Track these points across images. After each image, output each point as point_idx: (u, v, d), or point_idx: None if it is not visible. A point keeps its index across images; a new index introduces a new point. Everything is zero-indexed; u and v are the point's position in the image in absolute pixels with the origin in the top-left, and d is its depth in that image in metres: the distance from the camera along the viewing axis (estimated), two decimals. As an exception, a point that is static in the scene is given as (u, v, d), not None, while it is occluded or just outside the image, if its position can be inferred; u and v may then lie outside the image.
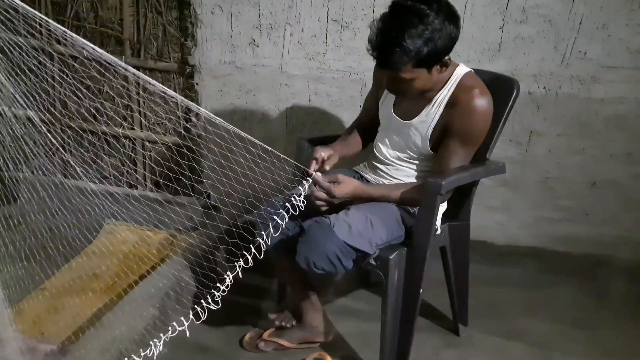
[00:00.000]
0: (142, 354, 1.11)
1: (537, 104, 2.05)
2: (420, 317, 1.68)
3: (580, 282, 2.12)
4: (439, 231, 1.61)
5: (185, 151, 2.33)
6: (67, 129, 2.46)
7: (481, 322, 1.86)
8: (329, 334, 1.74)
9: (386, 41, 1.32)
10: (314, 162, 1.48)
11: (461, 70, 1.49)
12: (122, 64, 1.32)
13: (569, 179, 2.12)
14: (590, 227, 2.16)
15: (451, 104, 1.46)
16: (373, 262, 1.49)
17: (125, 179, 2.58)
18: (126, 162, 2.57)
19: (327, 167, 1.52)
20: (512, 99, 1.60)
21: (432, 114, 1.49)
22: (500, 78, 1.67)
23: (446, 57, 1.39)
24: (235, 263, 1.18)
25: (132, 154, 2.57)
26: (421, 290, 1.53)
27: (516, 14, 1.96)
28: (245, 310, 1.93)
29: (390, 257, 1.48)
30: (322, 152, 1.51)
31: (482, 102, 1.43)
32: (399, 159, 1.60)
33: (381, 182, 1.64)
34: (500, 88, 1.59)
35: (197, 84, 2.36)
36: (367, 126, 1.74)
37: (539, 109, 2.06)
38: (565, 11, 1.92)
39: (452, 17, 1.34)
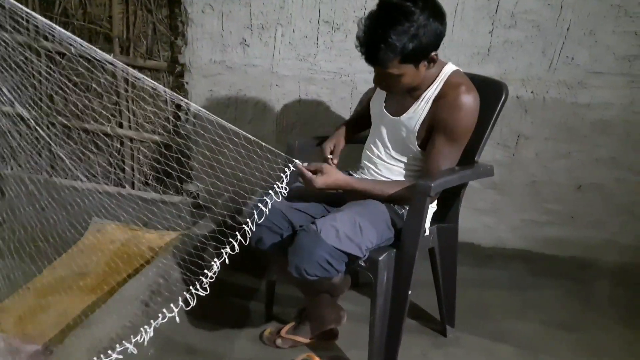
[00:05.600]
0: (133, 340, 1.10)
1: (525, 108, 2.08)
2: (408, 319, 1.68)
3: (566, 285, 2.15)
4: (427, 233, 1.62)
5: (174, 150, 2.32)
6: (53, 126, 2.43)
7: (468, 324, 1.88)
8: (339, 319, 1.75)
9: (373, 38, 1.36)
10: (327, 157, 1.69)
11: (449, 68, 1.52)
12: (110, 57, 1.31)
13: (556, 183, 2.15)
14: (575, 230, 2.18)
15: (438, 99, 1.49)
16: (362, 264, 1.49)
17: (113, 177, 2.56)
18: (114, 160, 2.55)
19: (336, 161, 1.69)
20: (501, 102, 1.62)
21: (419, 110, 1.51)
22: (489, 82, 1.69)
23: (433, 53, 1.41)
24: (222, 250, 1.19)
25: (121, 152, 2.55)
26: (410, 292, 1.54)
27: (505, 18, 1.98)
28: (233, 311, 1.92)
29: (380, 259, 1.48)
30: (329, 145, 1.71)
31: (468, 98, 1.46)
32: (390, 157, 1.61)
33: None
34: (489, 92, 1.60)
35: (187, 83, 2.34)
36: (360, 120, 1.81)
37: (527, 112, 2.08)
38: (553, 17, 1.95)
39: (438, 14, 1.38)
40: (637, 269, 2.14)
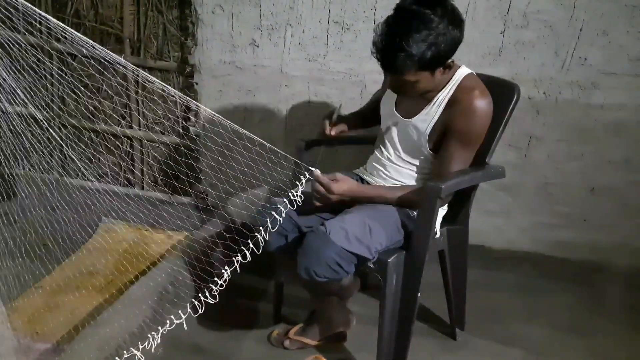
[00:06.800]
0: (141, 346, 1.10)
1: (536, 109, 2.06)
2: (417, 321, 1.67)
3: (577, 288, 2.12)
4: (437, 235, 1.61)
5: (184, 150, 2.32)
6: (65, 127, 2.45)
7: (478, 327, 1.86)
8: (348, 322, 1.74)
9: (390, 45, 1.33)
10: (326, 122, 1.62)
11: (463, 71, 1.50)
12: (122, 60, 1.32)
13: (568, 185, 2.12)
14: (588, 233, 2.16)
15: (451, 103, 1.47)
16: (371, 266, 1.48)
17: (123, 178, 2.57)
18: (124, 161, 2.57)
19: (334, 132, 1.62)
20: (513, 103, 1.60)
21: (432, 113, 1.50)
22: (501, 82, 1.67)
23: (449, 60, 1.39)
24: (234, 258, 1.18)
25: (130, 153, 2.56)
26: (419, 294, 1.53)
27: (517, 18, 1.96)
28: (241, 312, 1.92)
29: (389, 261, 1.47)
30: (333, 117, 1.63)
31: (481, 103, 1.44)
32: (400, 159, 1.60)
33: (381, 184, 1.64)
34: (501, 92, 1.58)
35: (196, 83, 2.35)
36: (369, 114, 1.77)
37: (539, 114, 2.06)
38: (566, 17, 1.93)
39: (456, 22, 1.35)
40: (650, 272, 2.11)
